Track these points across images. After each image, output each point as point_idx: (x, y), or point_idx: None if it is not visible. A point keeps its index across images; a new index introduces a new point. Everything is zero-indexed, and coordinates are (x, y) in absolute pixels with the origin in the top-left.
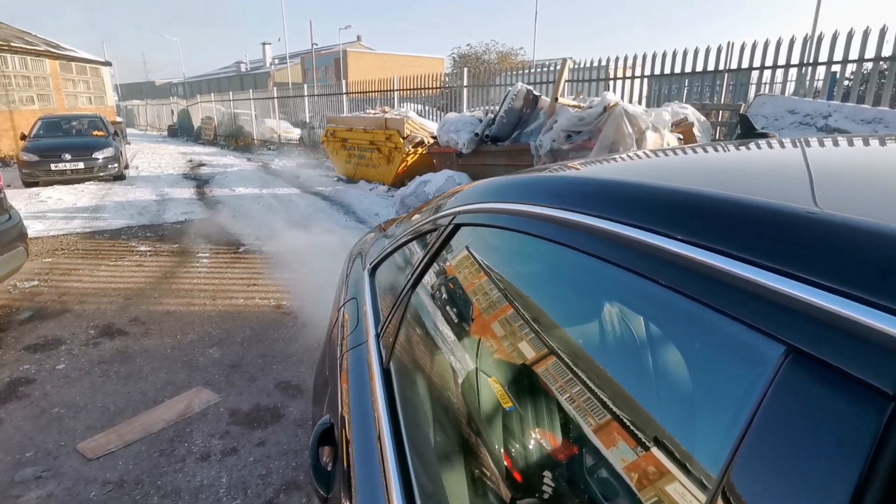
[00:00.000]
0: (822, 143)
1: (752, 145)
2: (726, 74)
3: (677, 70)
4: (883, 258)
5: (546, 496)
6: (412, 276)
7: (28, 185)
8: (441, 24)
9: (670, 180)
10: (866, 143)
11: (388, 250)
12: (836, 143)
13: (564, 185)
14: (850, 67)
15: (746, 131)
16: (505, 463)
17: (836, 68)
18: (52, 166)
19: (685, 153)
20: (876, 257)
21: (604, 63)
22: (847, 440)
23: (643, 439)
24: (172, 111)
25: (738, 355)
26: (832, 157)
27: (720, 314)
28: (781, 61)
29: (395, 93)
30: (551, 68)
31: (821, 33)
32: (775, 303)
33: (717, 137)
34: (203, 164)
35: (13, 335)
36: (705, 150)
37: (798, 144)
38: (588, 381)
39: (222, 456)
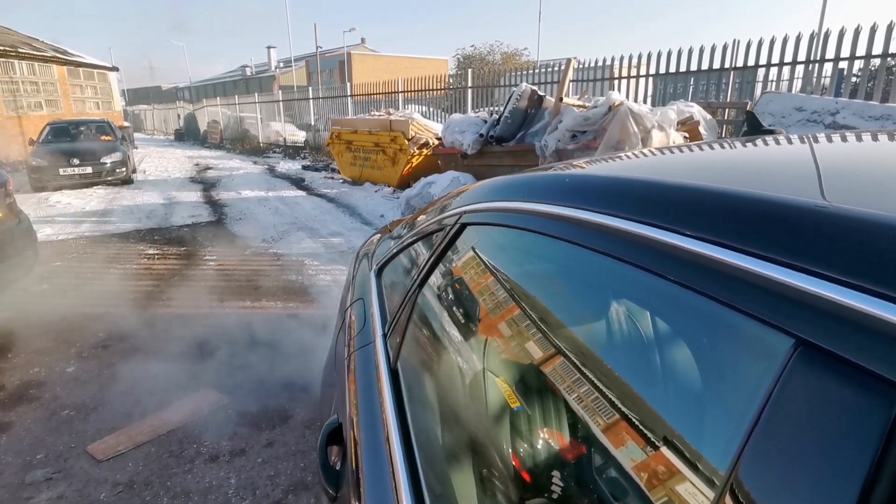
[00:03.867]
0: (829, 139)
1: (758, 142)
2: (732, 72)
3: (682, 69)
4: (892, 250)
5: (555, 496)
6: (419, 276)
7: (37, 189)
8: (444, 26)
9: (678, 176)
10: (875, 138)
11: (395, 251)
12: (843, 139)
13: (571, 183)
14: (858, 64)
15: (753, 128)
16: (513, 463)
17: (843, 65)
18: (61, 171)
19: (692, 150)
20: (884, 249)
21: (608, 62)
22: (857, 432)
23: (652, 437)
24: (179, 115)
25: (747, 349)
26: (840, 152)
27: (729, 308)
28: (788, 58)
29: (400, 94)
30: (556, 68)
31: (827, 30)
32: (784, 296)
33: (723, 136)
34: (209, 168)
35: (23, 338)
36: (712, 147)
37: (805, 140)
38: (596, 380)
39: (231, 457)
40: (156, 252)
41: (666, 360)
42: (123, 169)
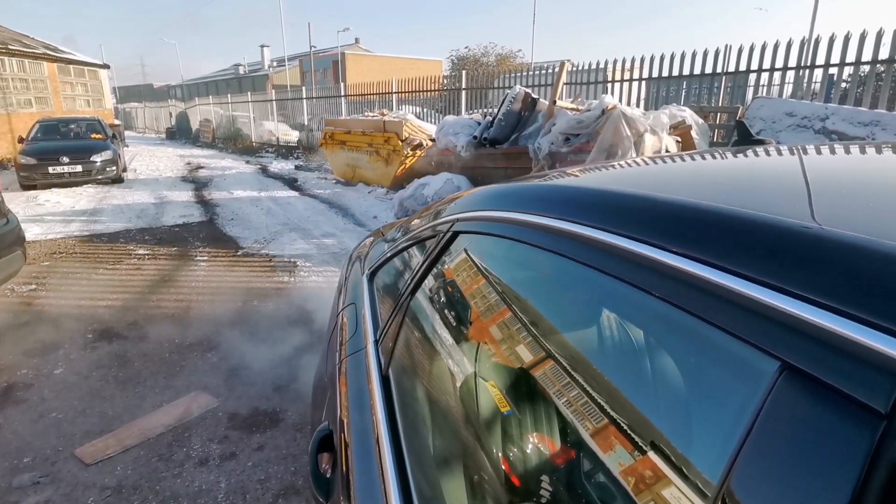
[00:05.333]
0: (818, 152)
1: (748, 154)
2: (724, 77)
3: (675, 73)
4: (876, 275)
5: (543, 501)
6: (411, 282)
7: (26, 188)
8: (439, 27)
9: (666, 191)
10: (863, 151)
11: (388, 255)
12: (832, 152)
13: (562, 195)
14: (848, 70)
15: (743, 137)
16: (503, 467)
17: (833, 71)
18: (50, 169)
19: (683, 160)
20: (869, 274)
21: (602, 66)
22: (840, 458)
23: (639, 456)
24: (171, 114)
25: (732, 370)
26: (828, 168)
27: (714, 328)
28: (779, 64)
29: (394, 95)
30: (550, 71)
31: (818, 36)
32: (770, 318)
33: (715, 140)
34: (201, 167)
35: (11, 339)
36: (703, 158)
37: (794, 153)
38: (584, 397)
39: (221, 461)
40: (146, 252)
41: (651, 375)
42: (114, 167)
